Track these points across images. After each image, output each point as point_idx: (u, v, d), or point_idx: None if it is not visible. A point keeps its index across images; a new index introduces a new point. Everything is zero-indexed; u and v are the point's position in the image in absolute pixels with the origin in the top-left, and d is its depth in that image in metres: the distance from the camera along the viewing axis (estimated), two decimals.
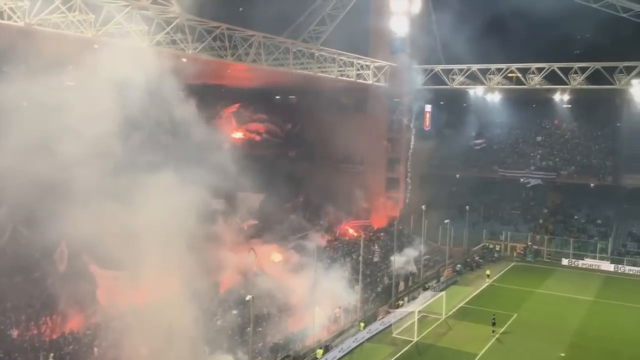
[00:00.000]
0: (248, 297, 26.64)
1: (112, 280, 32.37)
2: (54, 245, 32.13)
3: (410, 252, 46.74)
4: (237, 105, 57.54)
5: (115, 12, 29.72)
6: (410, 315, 36.48)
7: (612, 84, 49.02)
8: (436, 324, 37.91)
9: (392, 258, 44.02)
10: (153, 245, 31.14)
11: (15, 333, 27.56)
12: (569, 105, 65.90)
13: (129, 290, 32.07)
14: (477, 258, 54.71)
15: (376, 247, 49.13)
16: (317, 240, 46.19)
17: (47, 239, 30.70)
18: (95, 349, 27.81)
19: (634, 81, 48.76)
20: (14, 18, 26.82)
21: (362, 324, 35.50)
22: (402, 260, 45.14)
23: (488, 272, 49.64)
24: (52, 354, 26.19)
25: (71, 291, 30.53)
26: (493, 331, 35.87)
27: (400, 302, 40.27)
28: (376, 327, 36.20)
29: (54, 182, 31.35)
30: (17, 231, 33.73)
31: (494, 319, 36.50)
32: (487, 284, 47.75)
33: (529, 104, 68.72)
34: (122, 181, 29.84)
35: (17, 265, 31.49)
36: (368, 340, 34.91)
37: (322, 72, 47.74)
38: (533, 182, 65.49)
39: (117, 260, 31.84)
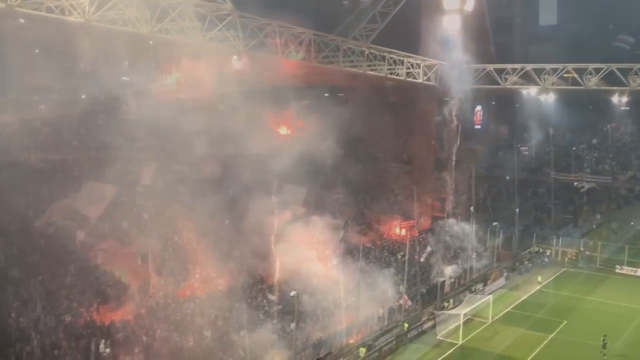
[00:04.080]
0: (293, 293, 26.80)
1: (162, 271, 33.24)
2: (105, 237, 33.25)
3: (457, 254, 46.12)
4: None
5: (170, 9, 30.39)
6: (455, 318, 35.94)
7: None
8: (482, 328, 37.25)
9: (437, 259, 43.46)
10: (204, 238, 31.97)
11: (68, 319, 28.47)
12: (627, 108, 63.56)
13: (178, 282, 32.94)
14: (526, 262, 53.36)
15: (428, 248, 48.15)
16: (362, 238, 46.02)
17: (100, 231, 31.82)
18: (144, 338, 28.46)
19: None
20: (74, 14, 27.74)
21: (405, 325, 35.19)
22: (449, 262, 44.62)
23: (540, 278, 48.16)
24: (103, 340, 26.95)
25: (121, 281, 31.43)
26: (604, 354, 33.03)
27: (446, 304, 39.72)
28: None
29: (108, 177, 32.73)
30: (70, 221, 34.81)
31: (604, 340, 33.45)
32: (536, 289, 46.53)
33: (585, 106, 66.68)
34: (174, 176, 30.70)
35: (70, 254, 32.59)
36: (412, 340, 34.60)
37: (371, 70, 47.39)
38: (587, 186, 63.54)
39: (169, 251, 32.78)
